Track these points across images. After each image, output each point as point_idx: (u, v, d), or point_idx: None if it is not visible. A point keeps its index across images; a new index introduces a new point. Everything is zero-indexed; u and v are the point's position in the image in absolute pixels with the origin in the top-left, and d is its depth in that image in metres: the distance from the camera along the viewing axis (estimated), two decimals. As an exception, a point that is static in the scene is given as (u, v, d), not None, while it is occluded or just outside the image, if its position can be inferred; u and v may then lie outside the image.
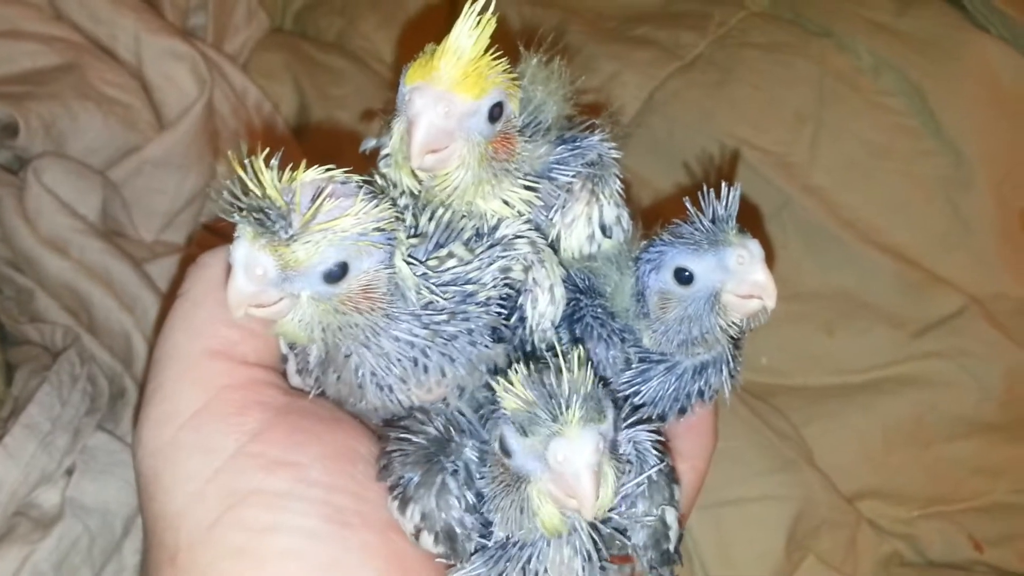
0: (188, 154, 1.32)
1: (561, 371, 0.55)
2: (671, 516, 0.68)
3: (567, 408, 0.54)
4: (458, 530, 0.63)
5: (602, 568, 0.63)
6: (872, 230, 1.41)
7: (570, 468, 0.54)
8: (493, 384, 0.58)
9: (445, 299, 0.62)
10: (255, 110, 1.42)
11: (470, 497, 0.64)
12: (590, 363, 0.57)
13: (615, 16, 1.67)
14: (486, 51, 0.61)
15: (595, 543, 0.62)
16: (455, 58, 0.59)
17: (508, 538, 0.62)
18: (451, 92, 0.59)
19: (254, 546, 0.60)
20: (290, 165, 0.55)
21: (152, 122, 1.33)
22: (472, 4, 0.59)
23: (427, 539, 0.63)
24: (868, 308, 1.39)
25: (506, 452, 0.57)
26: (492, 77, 0.61)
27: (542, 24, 1.58)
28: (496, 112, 0.62)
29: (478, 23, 0.59)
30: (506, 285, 0.65)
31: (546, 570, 0.61)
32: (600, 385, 0.57)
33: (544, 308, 0.66)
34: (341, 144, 1.46)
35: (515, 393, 0.56)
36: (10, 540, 0.90)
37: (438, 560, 0.64)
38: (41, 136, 1.21)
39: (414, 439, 0.64)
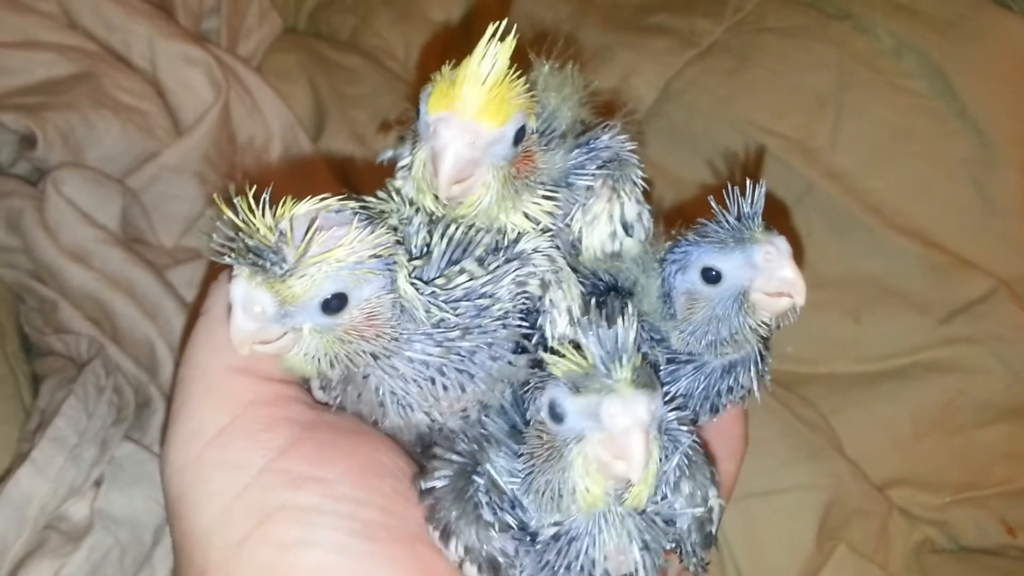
0: (206, 159, 1.32)
1: (616, 330, 0.54)
2: (714, 497, 0.67)
3: (621, 364, 0.53)
4: (501, 559, 0.63)
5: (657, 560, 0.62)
6: (896, 214, 1.39)
7: (621, 425, 0.52)
8: (544, 357, 0.57)
9: (456, 315, 0.61)
10: (272, 115, 1.42)
11: (509, 518, 0.63)
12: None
13: (630, 5, 1.66)
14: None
15: (650, 533, 0.61)
16: (478, 84, 0.58)
17: (557, 534, 0.61)
18: (476, 121, 0.59)
19: (283, 562, 0.60)
20: (283, 200, 0.54)
21: (169, 128, 1.34)
22: (493, 26, 0.58)
23: (471, 569, 0.63)
24: (894, 294, 1.37)
25: (556, 416, 0.55)
26: (514, 100, 0.60)
27: (557, 14, 1.58)
28: (520, 135, 0.62)
29: (500, 43, 0.58)
30: (527, 299, 0.65)
31: (604, 559, 0.60)
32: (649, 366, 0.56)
33: (563, 330, 0.65)
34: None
35: (569, 357, 0.55)
36: (41, 554, 0.90)
37: None
38: (59, 146, 1.21)
39: (442, 482, 0.64)
